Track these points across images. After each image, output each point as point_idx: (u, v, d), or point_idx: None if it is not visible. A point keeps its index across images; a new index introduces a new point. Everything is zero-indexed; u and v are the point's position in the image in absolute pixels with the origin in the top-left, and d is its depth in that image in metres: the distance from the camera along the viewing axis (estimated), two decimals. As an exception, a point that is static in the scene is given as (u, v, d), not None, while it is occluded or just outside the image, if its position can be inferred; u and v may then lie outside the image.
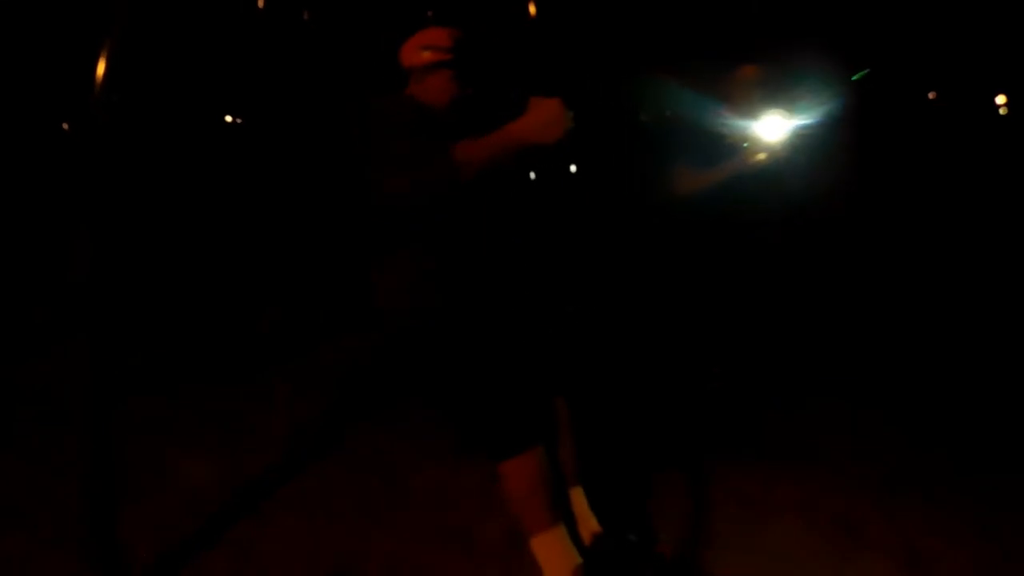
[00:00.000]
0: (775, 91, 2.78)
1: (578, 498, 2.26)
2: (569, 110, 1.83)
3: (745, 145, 2.78)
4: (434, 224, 2.00)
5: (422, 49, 2.11)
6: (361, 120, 1.99)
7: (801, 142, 2.74)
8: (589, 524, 2.23)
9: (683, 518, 2.60)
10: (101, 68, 2.03)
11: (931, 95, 14.41)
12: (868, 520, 2.56)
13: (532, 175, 2.38)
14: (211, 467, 3.06)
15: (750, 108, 2.85)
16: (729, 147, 3.00)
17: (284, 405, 3.71)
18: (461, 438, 2.35)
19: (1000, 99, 14.91)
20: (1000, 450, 3.01)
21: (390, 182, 1.86)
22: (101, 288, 2.12)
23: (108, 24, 2.05)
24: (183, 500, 2.80)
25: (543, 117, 1.79)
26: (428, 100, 2.10)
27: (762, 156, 2.78)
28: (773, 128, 2.65)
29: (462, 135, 1.87)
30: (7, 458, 3.08)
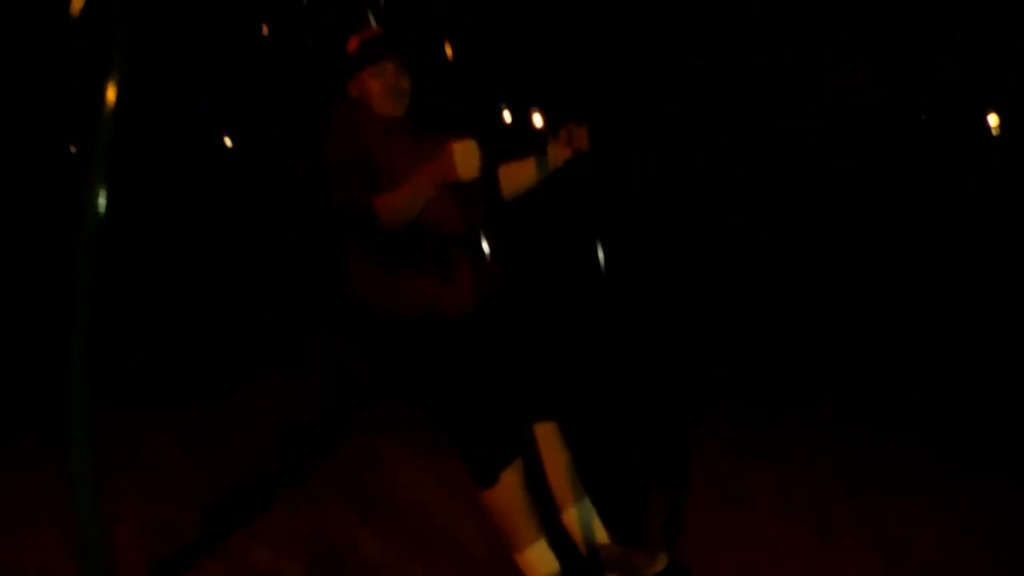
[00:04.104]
0: None
1: (577, 514, 2.25)
2: (484, 148, 1.91)
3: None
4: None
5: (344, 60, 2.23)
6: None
7: None
8: (596, 536, 2.25)
9: (669, 519, 2.66)
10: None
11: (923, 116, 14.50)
12: (841, 512, 2.62)
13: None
14: (202, 468, 3.13)
15: None
16: None
17: (275, 403, 3.76)
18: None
19: (992, 120, 15.03)
20: (973, 443, 3.07)
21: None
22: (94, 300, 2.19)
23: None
24: (173, 502, 2.87)
25: (456, 156, 1.86)
26: (375, 102, 2.18)
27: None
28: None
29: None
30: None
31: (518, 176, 2.32)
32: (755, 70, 12.35)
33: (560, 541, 2.21)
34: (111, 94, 2.17)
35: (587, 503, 2.26)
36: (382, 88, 2.18)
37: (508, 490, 2.10)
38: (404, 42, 2.26)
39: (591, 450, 2.74)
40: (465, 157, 1.86)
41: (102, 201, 2.07)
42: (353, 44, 2.23)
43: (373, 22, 3.27)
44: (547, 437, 2.23)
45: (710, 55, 12.09)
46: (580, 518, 2.23)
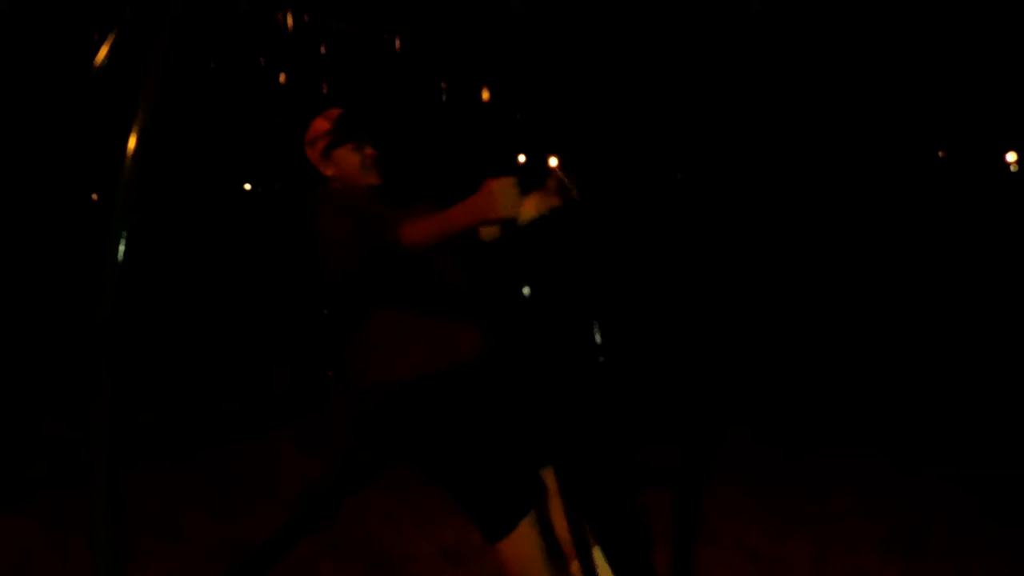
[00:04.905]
0: None
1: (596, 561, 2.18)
2: (522, 188, 1.85)
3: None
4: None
5: (308, 145, 2.25)
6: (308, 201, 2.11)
7: None
8: None
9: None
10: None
11: (940, 153, 14.53)
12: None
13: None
14: (220, 528, 3.05)
15: None
16: None
17: (295, 459, 3.72)
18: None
19: (1011, 157, 14.99)
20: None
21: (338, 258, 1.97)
22: (117, 343, 2.17)
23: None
24: (193, 562, 2.79)
25: (497, 194, 1.80)
26: (348, 179, 2.20)
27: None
28: None
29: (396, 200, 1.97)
30: (20, 517, 3.11)
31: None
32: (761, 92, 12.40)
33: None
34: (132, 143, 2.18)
35: (597, 554, 2.18)
36: (362, 161, 2.20)
37: (527, 539, 2.00)
38: (374, 115, 2.29)
39: (602, 498, 2.67)
40: (505, 196, 1.81)
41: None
42: (323, 124, 2.23)
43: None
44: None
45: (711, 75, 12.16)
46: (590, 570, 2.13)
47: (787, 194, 12.22)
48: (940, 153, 14.53)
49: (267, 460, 3.76)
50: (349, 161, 2.20)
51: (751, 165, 12.61)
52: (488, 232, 2.29)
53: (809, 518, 2.93)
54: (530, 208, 2.24)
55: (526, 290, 2.11)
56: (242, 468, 3.65)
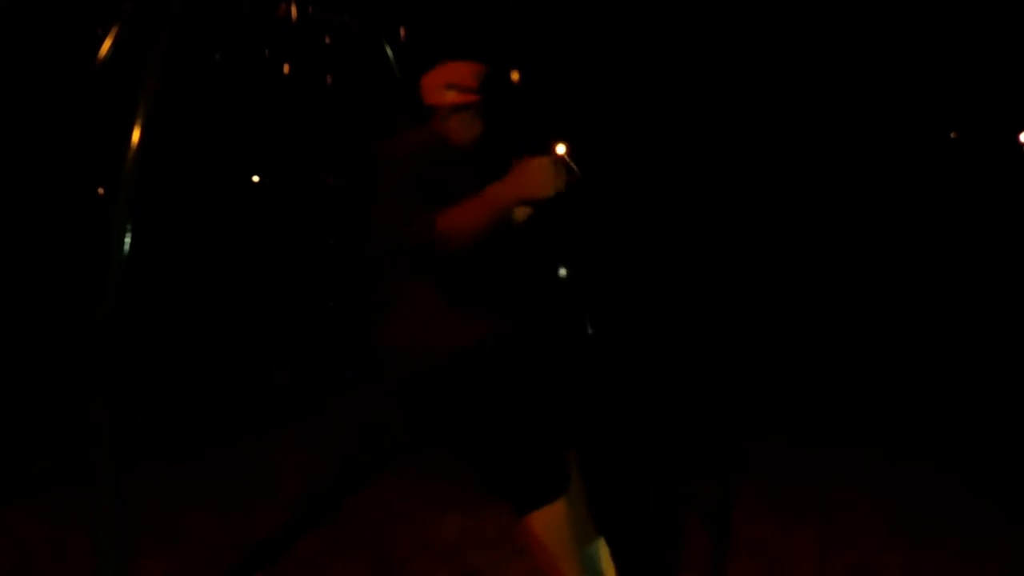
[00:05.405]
0: None
1: (591, 554, 2.17)
2: (560, 167, 1.80)
3: None
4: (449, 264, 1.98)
5: (447, 88, 2.10)
6: (369, 164, 2.03)
7: None
8: None
9: (701, 568, 2.56)
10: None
11: (952, 135, 14.34)
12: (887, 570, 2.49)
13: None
14: (220, 528, 3.06)
15: None
16: None
17: (297, 457, 3.72)
18: (482, 486, 2.27)
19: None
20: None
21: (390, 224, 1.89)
22: (117, 342, 2.16)
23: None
24: (196, 559, 2.79)
25: (531, 176, 1.74)
26: (452, 138, 2.09)
27: None
28: None
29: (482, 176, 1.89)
30: (21, 516, 3.12)
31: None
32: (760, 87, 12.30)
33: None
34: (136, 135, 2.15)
35: (601, 544, 2.16)
36: (478, 124, 2.11)
37: (559, 514, 1.96)
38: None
39: (611, 490, 2.65)
40: (546, 174, 1.74)
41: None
42: (468, 76, 2.09)
43: (391, 55, 3.23)
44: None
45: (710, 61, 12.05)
46: (593, 559, 2.13)
47: (792, 181, 12.13)
48: (952, 134, 14.33)
49: (267, 460, 3.76)
50: (474, 125, 2.10)
51: (754, 156, 12.52)
52: (520, 213, 2.20)
53: (812, 511, 2.92)
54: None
55: (562, 271, 2.05)
56: (242, 468, 3.65)
